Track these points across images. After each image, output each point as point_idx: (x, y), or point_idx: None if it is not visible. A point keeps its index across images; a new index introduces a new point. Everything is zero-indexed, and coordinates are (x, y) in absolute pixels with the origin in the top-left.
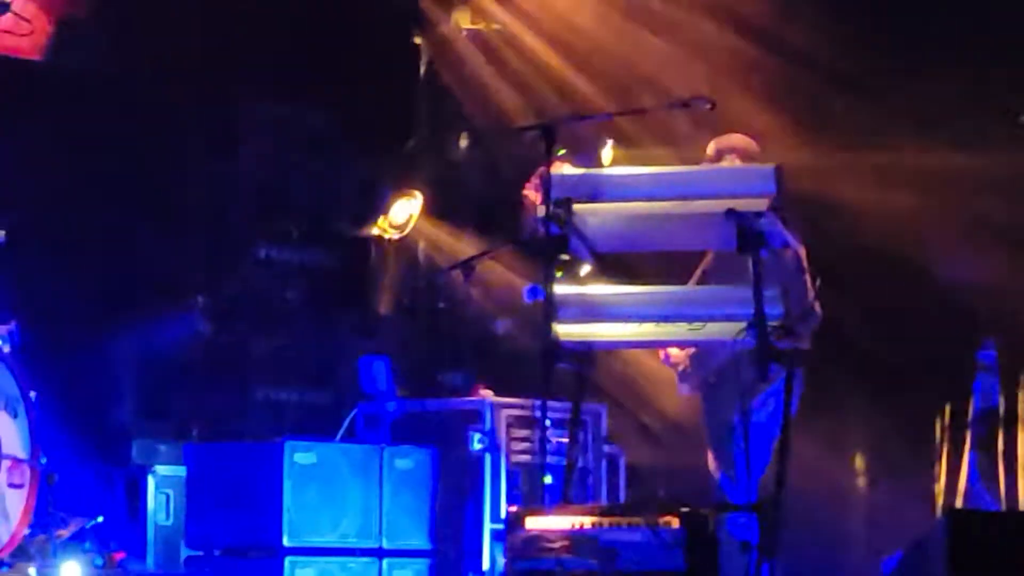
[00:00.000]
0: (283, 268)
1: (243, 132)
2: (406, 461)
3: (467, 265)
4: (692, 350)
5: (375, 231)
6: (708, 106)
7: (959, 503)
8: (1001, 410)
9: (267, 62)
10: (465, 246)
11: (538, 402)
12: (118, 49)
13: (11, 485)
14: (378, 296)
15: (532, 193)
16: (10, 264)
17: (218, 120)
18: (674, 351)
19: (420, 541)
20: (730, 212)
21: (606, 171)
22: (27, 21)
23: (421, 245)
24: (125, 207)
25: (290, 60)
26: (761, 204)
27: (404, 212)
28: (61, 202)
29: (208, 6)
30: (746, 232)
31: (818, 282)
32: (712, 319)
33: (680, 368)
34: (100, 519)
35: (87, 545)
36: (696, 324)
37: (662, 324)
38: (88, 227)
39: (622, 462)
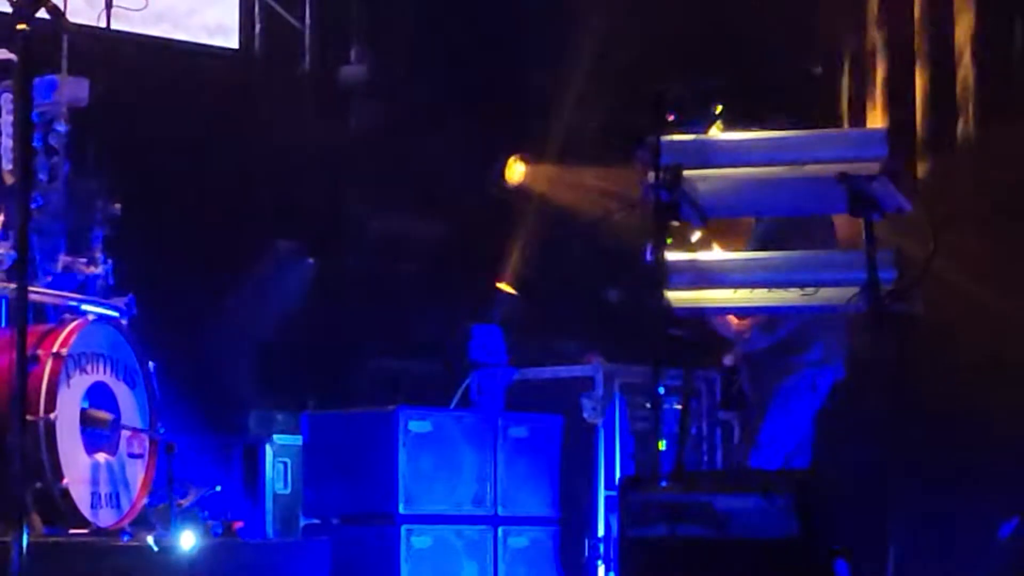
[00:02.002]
0: (396, 237)
1: (353, 100)
2: (520, 429)
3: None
4: (757, 319)
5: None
6: (818, 71)
7: None
8: None
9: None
10: (585, 204)
11: (651, 369)
12: None
13: (131, 455)
14: (505, 260)
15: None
16: (126, 236)
17: (329, 89)
18: (734, 319)
19: (535, 508)
20: (842, 176)
21: (716, 136)
22: None
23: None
24: (238, 176)
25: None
26: (873, 167)
27: (519, 175)
28: (174, 172)
29: None
30: (858, 196)
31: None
32: (825, 284)
33: (743, 336)
34: (218, 488)
35: (206, 514)
36: (809, 289)
37: (774, 289)
38: (202, 197)
39: (736, 429)
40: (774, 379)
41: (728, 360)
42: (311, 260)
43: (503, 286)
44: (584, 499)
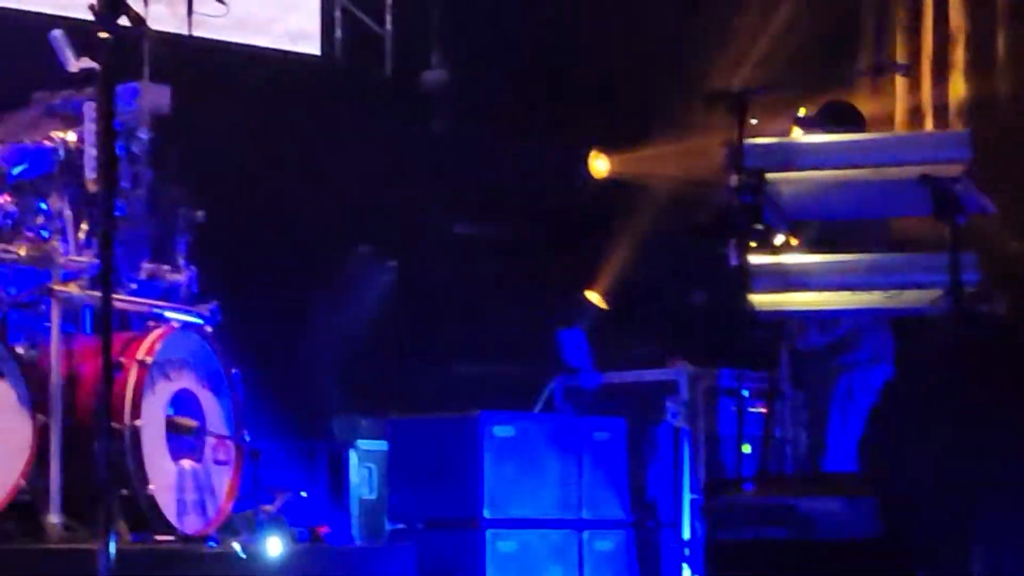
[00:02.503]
0: (480, 241)
1: (432, 104)
2: (604, 433)
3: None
4: None
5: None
6: (903, 71)
7: None
8: None
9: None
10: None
11: (735, 372)
12: None
13: (217, 462)
14: (597, 271)
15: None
16: (209, 243)
17: (410, 94)
18: None
19: (620, 513)
20: (924, 178)
21: (799, 139)
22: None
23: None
24: (320, 182)
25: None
26: (956, 169)
27: (603, 169)
28: (256, 178)
29: None
30: (941, 198)
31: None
32: (908, 286)
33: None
34: (304, 494)
35: (291, 520)
36: (892, 291)
37: (858, 292)
38: (284, 204)
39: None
40: (830, 378)
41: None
42: (393, 263)
43: (593, 297)
44: (668, 502)
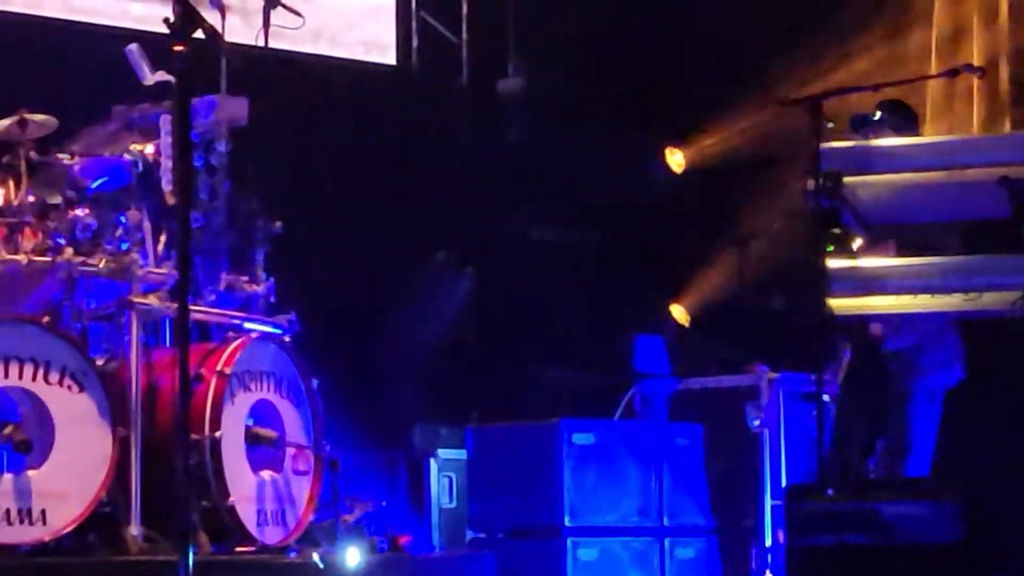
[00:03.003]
0: (557, 247)
1: (509, 112)
2: (684, 439)
3: (742, 240)
4: None
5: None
6: (979, 74)
7: None
8: None
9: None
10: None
11: (815, 376)
12: None
13: (296, 472)
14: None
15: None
16: (288, 253)
17: (487, 102)
18: None
19: (701, 519)
20: (1003, 179)
21: (876, 142)
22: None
23: None
24: (398, 190)
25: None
26: None
27: (680, 163)
28: (333, 188)
29: None
30: (1020, 199)
31: None
32: (988, 288)
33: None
34: (384, 504)
35: (372, 529)
36: (972, 294)
37: (938, 295)
38: (361, 213)
39: None
40: (907, 382)
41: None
42: (471, 271)
43: (676, 312)
44: (749, 508)
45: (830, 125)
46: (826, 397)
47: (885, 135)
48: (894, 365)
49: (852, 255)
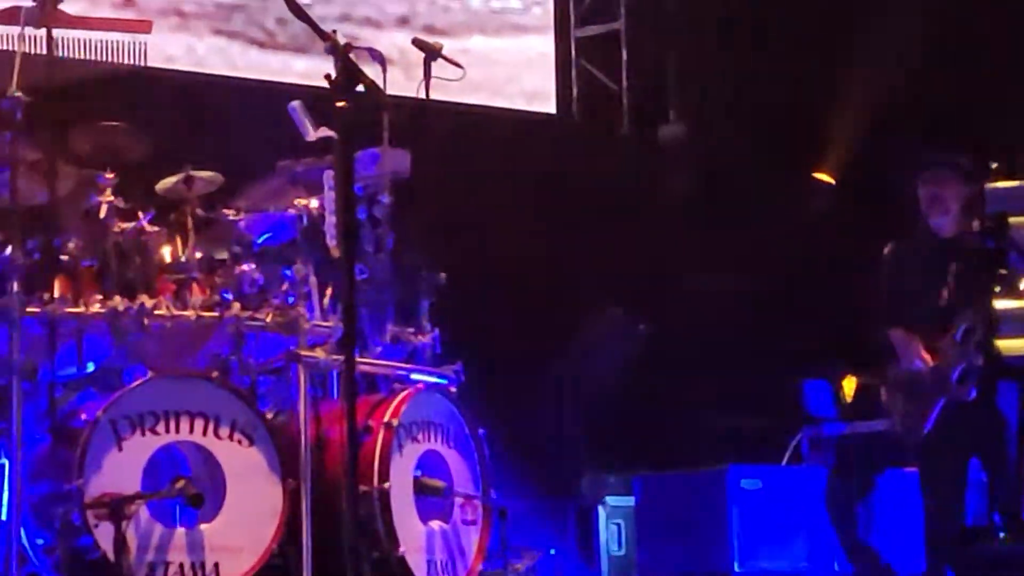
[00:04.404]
0: (721, 294)
1: (671, 158)
2: None
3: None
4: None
5: None
6: None
7: None
8: None
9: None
10: None
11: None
12: None
13: (465, 522)
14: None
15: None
16: (452, 304)
17: (648, 148)
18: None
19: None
20: None
21: None
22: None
23: None
24: (559, 239)
25: None
26: None
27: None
28: (497, 238)
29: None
30: None
31: None
32: None
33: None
34: (553, 552)
35: None
36: None
37: None
38: (525, 263)
39: None
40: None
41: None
42: (643, 327)
43: (847, 384)
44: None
45: (994, 165)
46: None
47: None
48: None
49: (1020, 296)
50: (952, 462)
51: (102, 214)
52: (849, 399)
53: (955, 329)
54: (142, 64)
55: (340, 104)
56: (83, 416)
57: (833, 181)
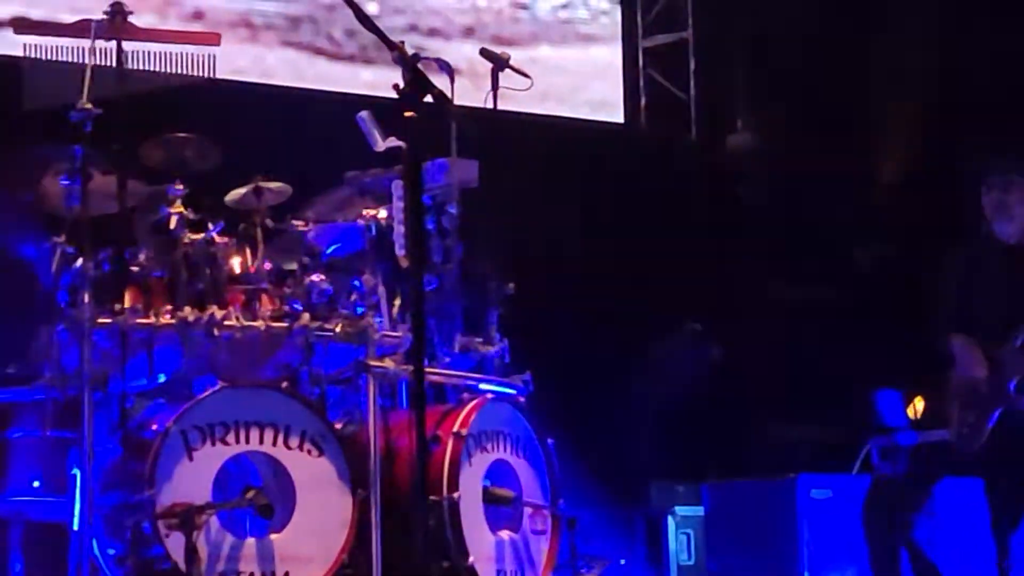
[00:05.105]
0: (790, 303)
1: (740, 167)
2: None
3: None
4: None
5: None
6: None
7: None
8: None
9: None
10: None
11: None
12: None
13: (534, 531)
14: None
15: None
16: (521, 313)
17: (717, 158)
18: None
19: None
20: None
21: None
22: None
23: None
24: (625, 250)
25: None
26: None
27: None
28: (564, 248)
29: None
30: None
31: None
32: None
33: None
34: (622, 562)
35: None
36: None
37: None
38: (591, 272)
39: None
40: None
41: None
42: (716, 351)
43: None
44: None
45: None
46: None
47: None
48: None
49: None
50: (1012, 472)
51: (172, 225)
52: (918, 417)
53: (1015, 338)
54: (211, 76)
55: (408, 114)
56: (154, 427)
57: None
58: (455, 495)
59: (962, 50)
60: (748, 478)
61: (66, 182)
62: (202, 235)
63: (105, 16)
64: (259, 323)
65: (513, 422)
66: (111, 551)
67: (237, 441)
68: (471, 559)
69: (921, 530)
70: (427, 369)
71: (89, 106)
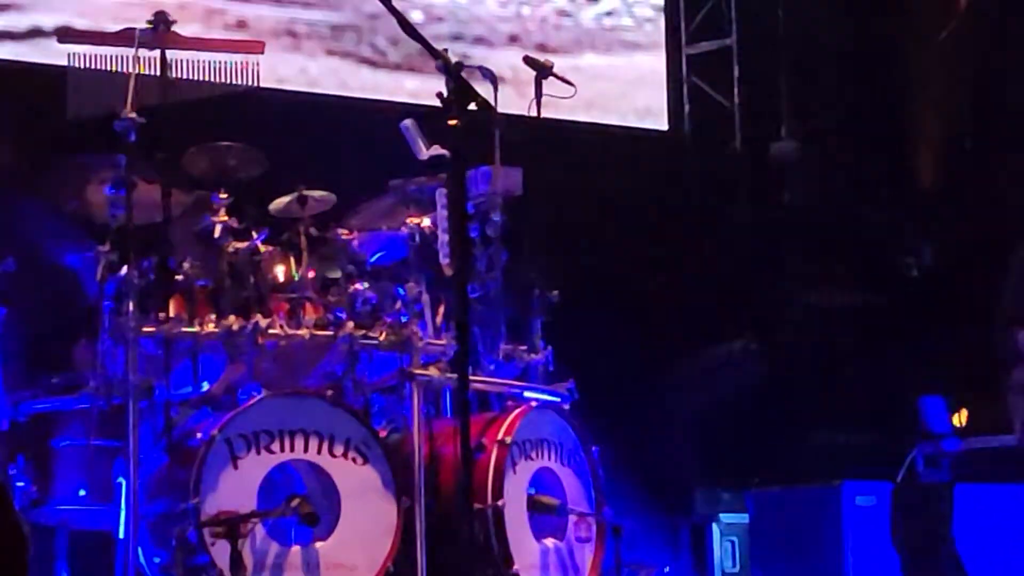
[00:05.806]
0: (835, 309)
1: (784, 175)
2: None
3: None
4: None
5: None
6: None
7: None
8: None
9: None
10: None
11: None
12: None
13: (578, 539)
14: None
15: None
16: (565, 321)
17: (761, 166)
18: None
19: None
20: None
21: None
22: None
23: None
24: (672, 257)
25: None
26: None
27: None
28: (608, 256)
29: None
30: None
31: None
32: None
33: None
34: (667, 570)
35: None
36: None
37: None
38: (637, 280)
39: None
40: None
41: None
42: (762, 366)
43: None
44: None
45: None
46: None
47: None
48: None
49: None
50: None
51: (216, 234)
52: (963, 425)
53: None
54: (255, 85)
55: (452, 122)
56: (199, 435)
57: None
58: (500, 503)
59: (998, 52)
60: (793, 485)
61: (110, 191)
62: (246, 244)
63: (149, 25)
64: (303, 331)
65: (558, 430)
66: (156, 559)
67: (282, 449)
68: (516, 567)
69: (964, 539)
70: (471, 377)
71: (133, 115)
